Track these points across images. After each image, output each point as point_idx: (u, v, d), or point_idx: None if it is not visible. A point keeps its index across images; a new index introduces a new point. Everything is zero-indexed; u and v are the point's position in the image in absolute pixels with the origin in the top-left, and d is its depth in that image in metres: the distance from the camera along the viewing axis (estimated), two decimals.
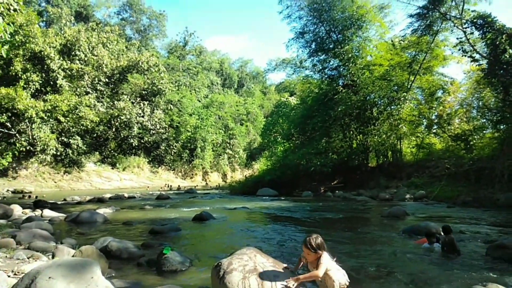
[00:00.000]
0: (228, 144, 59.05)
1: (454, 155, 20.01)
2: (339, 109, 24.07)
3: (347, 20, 23.41)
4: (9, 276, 4.18)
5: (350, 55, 23.73)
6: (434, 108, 23.38)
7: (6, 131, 12.96)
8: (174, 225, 9.97)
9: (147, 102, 18.56)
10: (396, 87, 23.47)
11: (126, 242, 7.04)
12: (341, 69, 25.18)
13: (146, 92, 18.74)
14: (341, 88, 24.57)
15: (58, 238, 7.90)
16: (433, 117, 23.83)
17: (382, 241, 8.04)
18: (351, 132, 26.19)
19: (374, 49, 24.74)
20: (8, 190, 28.47)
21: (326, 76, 26.37)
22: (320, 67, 26.10)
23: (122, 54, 17.91)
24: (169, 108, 25.25)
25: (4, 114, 12.34)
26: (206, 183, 47.37)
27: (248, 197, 22.28)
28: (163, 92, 19.42)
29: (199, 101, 58.18)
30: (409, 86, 22.84)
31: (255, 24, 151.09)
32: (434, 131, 23.82)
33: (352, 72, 23.88)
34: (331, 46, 24.95)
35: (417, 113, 23.33)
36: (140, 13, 62.39)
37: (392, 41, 23.90)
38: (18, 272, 4.47)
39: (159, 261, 5.60)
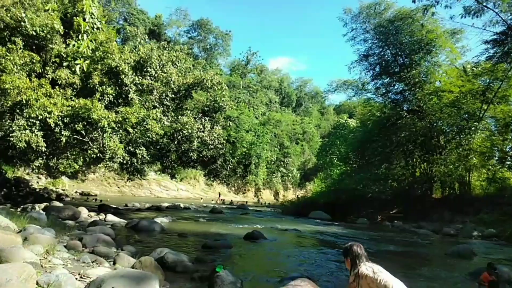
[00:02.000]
0: (282, 162, 58.95)
1: None
2: (402, 134, 22.97)
3: (415, 44, 22.48)
4: (76, 279, 4.46)
5: (417, 80, 22.67)
6: (509, 140, 21.36)
7: (80, 138, 14.09)
8: (226, 242, 10.07)
9: (208, 118, 19.19)
10: (466, 115, 21.88)
11: (181, 255, 7.23)
12: (407, 93, 24.12)
13: (207, 109, 19.40)
14: (405, 113, 23.48)
15: (119, 244, 8.35)
16: (508, 149, 21.74)
17: (445, 284, 7.37)
18: (415, 159, 24.77)
19: (443, 75, 23.39)
20: (77, 192, 30.98)
21: (389, 100, 25.42)
22: (384, 91, 25.25)
23: (189, 72, 18.82)
24: (227, 124, 26.03)
25: (80, 123, 13.43)
26: (258, 200, 47.49)
27: (300, 219, 21.88)
28: (224, 109, 19.98)
29: (257, 118, 59.11)
30: (481, 115, 21.18)
31: (317, 45, 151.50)
32: (508, 164, 21.69)
33: (419, 97, 22.74)
34: (396, 69, 24.08)
35: (489, 144, 21.46)
36: (208, 33, 65.70)
37: (464, 67, 22.45)
38: (83, 276, 4.76)
39: (212, 279, 5.64)
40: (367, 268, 3.05)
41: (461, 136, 21.89)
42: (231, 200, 39.89)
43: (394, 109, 24.71)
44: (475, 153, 21.05)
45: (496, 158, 22.10)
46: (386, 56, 24.71)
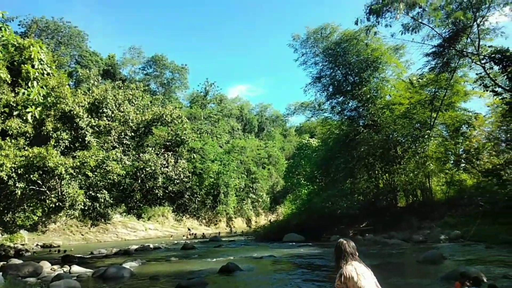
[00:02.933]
0: (251, 189, 58.72)
1: (487, 191, 19.10)
2: (362, 149, 23.80)
3: (363, 63, 23.84)
4: None
5: (368, 96, 23.89)
6: (460, 144, 22.78)
7: (37, 188, 13.40)
8: (201, 279, 9.78)
9: (171, 152, 18.99)
10: (418, 125, 23.16)
11: None
12: (361, 109, 25.24)
13: (170, 143, 19.25)
14: (362, 129, 24.49)
15: None
16: (461, 152, 23.13)
17: None
18: (376, 172, 25.64)
19: (392, 89, 24.84)
20: (37, 245, 28.91)
21: (345, 117, 26.45)
22: (339, 109, 26.30)
23: (147, 108, 18.69)
24: (192, 156, 25.85)
25: (36, 173, 12.82)
26: (231, 230, 46.66)
27: (274, 244, 21.70)
28: (186, 142, 19.88)
29: (221, 147, 59.03)
30: (432, 123, 22.52)
31: (274, 70, 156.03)
32: (463, 167, 23.02)
33: (372, 112, 23.87)
34: (348, 88, 25.26)
35: (443, 149, 22.75)
36: (164, 68, 65.96)
37: (410, 80, 23.98)
38: None
39: None
40: (352, 269, 2.92)
41: (416, 144, 23.04)
42: (203, 233, 38.84)
43: (351, 126, 25.68)
44: (431, 160, 22.15)
45: (452, 162, 23.38)
46: (337, 76, 25.89)
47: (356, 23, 16.77)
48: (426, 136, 22.25)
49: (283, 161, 69.26)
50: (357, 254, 3.11)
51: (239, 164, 57.71)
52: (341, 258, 3.02)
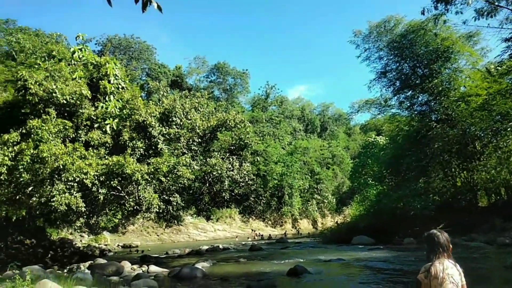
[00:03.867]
0: (315, 189, 57.92)
1: None
2: (436, 145, 22.16)
3: (432, 54, 22.17)
4: None
5: (440, 88, 22.16)
6: None
7: (117, 193, 14.59)
8: (270, 281, 9.86)
9: (236, 156, 19.46)
10: (499, 117, 20.95)
11: None
12: (432, 103, 23.52)
13: (234, 147, 19.72)
14: (435, 124, 22.80)
15: None
16: None
17: None
18: (453, 169, 23.70)
19: (467, 79, 22.74)
20: (118, 245, 31.59)
21: (415, 112, 24.82)
22: (408, 104, 24.74)
23: (212, 115, 19.42)
24: (255, 159, 26.28)
25: (115, 179, 13.97)
26: (298, 231, 46.48)
27: (343, 246, 21.15)
28: (250, 145, 20.22)
29: (283, 149, 59.10)
30: None
31: (333, 68, 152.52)
32: None
33: (445, 105, 22.12)
34: (417, 81, 23.69)
35: None
36: (226, 74, 68.03)
37: (487, 68, 21.76)
38: None
39: None
40: (441, 268, 2.66)
41: (498, 138, 20.90)
42: (269, 235, 39.31)
43: (422, 121, 24.08)
44: None
45: None
46: (405, 70, 24.44)
47: (423, 13, 15.58)
48: (509, 129, 20.04)
49: (348, 160, 67.26)
50: (451, 247, 2.84)
51: (303, 165, 57.31)
52: (432, 251, 2.78)
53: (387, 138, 34.35)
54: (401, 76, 24.52)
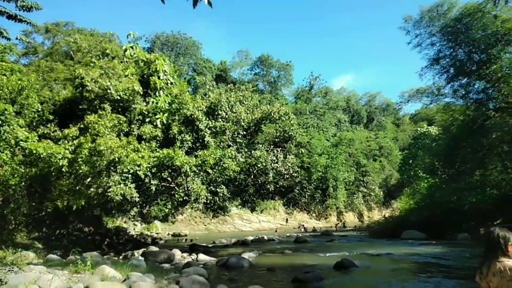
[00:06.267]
0: (361, 182, 56.45)
1: None
2: (494, 136, 20.67)
3: (491, 38, 20.54)
4: None
5: (499, 75, 20.52)
6: None
7: (167, 184, 15.23)
8: (316, 274, 9.82)
9: (280, 148, 19.48)
10: None
11: None
12: (490, 91, 21.88)
13: (278, 140, 19.75)
14: (493, 112, 21.23)
15: (212, 284, 8.67)
16: None
17: None
18: None
19: None
20: (168, 234, 33.03)
21: (471, 100, 23.23)
22: (463, 92, 23.20)
23: (256, 108, 19.58)
24: (299, 151, 26.14)
25: (166, 171, 14.58)
26: (343, 224, 45.72)
27: (391, 241, 20.52)
28: (294, 138, 20.14)
29: (328, 140, 58.11)
30: None
31: (380, 57, 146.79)
32: None
33: (505, 93, 20.47)
34: (473, 68, 22.12)
35: None
36: (270, 67, 67.87)
37: None
38: None
39: None
40: (496, 266, 2.51)
41: None
42: (313, 227, 39.07)
43: (478, 110, 22.52)
44: None
45: None
46: (459, 56, 22.91)
47: None
48: None
49: (397, 152, 64.77)
50: (509, 248, 2.62)
51: (348, 157, 56.03)
52: (488, 250, 2.62)
53: (440, 129, 32.62)
54: (456, 62, 23.03)
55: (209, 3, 3.82)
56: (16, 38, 20.23)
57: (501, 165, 22.36)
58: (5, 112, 14.99)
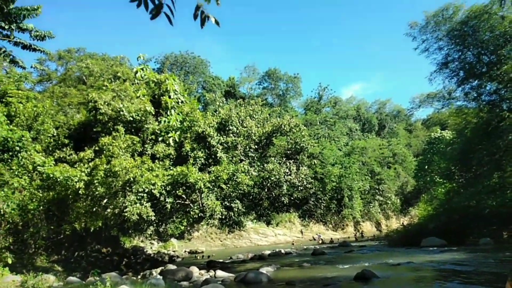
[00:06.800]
0: (377, 190, 55.67)
1: None
2: (510, 137, 20.32)
3: (499, 39, 20.39)
4: None
5: (511, 75, 20.31)
6: None
7: (182, 202, 15.33)
8: (336, 286, 9.69)
9: (292, 160, 19.48)
10: None
11: None
12: (503, 91, 21.58)
13: (290, 152, 19.77)
14: (507, 113, 20.91)
15: None
16: None
17: None
18: None
19: None
20: (185, 251, 32.99)
21: (484, 102, 22.92)
22: (475, 94, 22.93)
23: (266, 121, 19.72)
24: (312, 162, 26.04)
25: (180, 188, 14.70)
26: (361, 234, 44.97)
27: (411, 249, 20.09)
28: (306, 149, 20.13)
29: (340, 150, 57.72)
30: None
31: (387, 64, 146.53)
32: None
33: None
34: (483, 69, 21.91)
35: None
36: (277, 80, 68.34)
37: None
38: None
39: None
40: None
41: None
42: (331, 238, 38.54)
43: (492, 112, 22.21)
44: None
45: None
46: (468, 58, 22.76)
47: None
48: None
49: (411, 158, 63.91)
50: None
51: (361, 165, 55.47)
52: None
53: (453, 132, 32.19)
54: (465, 65, 22.87)
55: (216, 22, 3.93)
56: (31, 67, 20.98)
57: None
58: (22, 138, 15.43)
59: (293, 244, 35.54)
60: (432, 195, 31.06)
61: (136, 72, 20.12)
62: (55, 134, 17.70)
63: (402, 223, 33.12)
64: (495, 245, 17.81)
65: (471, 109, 24.60)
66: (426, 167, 39.82)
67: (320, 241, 36.98)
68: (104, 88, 19.00)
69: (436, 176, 34.21)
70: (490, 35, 20.97)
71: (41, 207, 15.60)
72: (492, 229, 20.14)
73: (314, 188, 27.06)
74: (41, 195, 15.05)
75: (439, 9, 22.72)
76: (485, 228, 20.36)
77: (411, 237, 23.27)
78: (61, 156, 16.79)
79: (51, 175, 14.19)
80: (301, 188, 19.63)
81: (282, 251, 25.72)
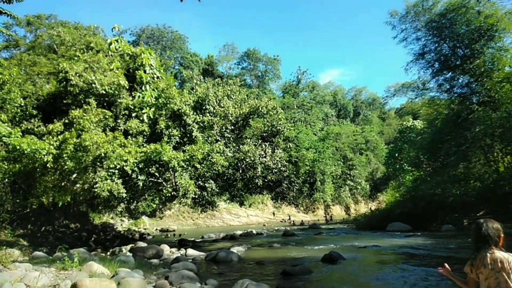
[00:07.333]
0: (348, 175, 57.09)
1: None
2: (477, 129, 21.14)
3: (474, 33, 20.93)
4: None
5: (482, 69, 20.96)
6: None
7: (155, 180, 15.12)
8: (305, 266, 9.95)
9: (268, 143, 19.55)
10: None
11: (263, 285, 7.32)
12: (474, 85, 22.34)
13: (266, 134, 19.82)
14: (476, 106, 21.69)
15: (202, 279, 8.69)
16: None
17: None
18: (495, 154, 22.55)
19: None
20: (156, 229, 32.86)
21: (455, 95, 23.67)
22: (448, 86, 23.61)
23: (244, 102, 19.57)
24: (288, 146, 26.29)
25: (154, 166, 14.46)
26: (331, 217, 46.25)
27: (377, 233, 20.87)
28: (282, 132, 20.23)
29: (315, 135, 58.45)
30: None
31: (366, 52, 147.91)
32: None
33: (488, 87, 20.96)
34: (457, 62, 22.53)
35: None
36: (257, 61, 67.73)
37: None
38: None
39: None
40: (487, 258, 2.53)
41: None
42: (302, 221, 39.42)
43: (462, 104, 22.98)
44: None
45: None
46: (444, 51, 23.29)
47: None
48: None
49: (383, 146, 65.64)
50: (503, 237, 2.65)
51: (335, 151, 56.50)
52: (478, 242, 2.64)
53: (424, 122, 33.16)
54: (440, 57, 23.42)
55: None
56: None
57: (484, 158, 22.91)
58: None
59: (264, 225, 36.11)
60: (400, 182, 32.18)
61: (110, 43, 19.30)
62: (22, 104, 16.83)
63: (370, 208, 34.17)
64: (456, 231, 18.74)
65: (443, 100, 25.35)
66: (397, 155, 40.98)
67: (292, 223, 37.74)
68: (76, 58, 18.15)
69: (405, 164, 35.32)
70: (466, 29, 21.46)
71: (6, 180, 15.00)
72: (454, 216, 21.11)
73: (288, 171, 27.43)
74: (6, 167, 14.41)
75: None
76: (448, 215, 21.33)
77: (378, 221, 24.12)
78: (29, 127, 16.06)
79: (18, 147, 13.57)
80: (276, 170, 19.84)
81: (254, 231, 26.08)
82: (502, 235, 2.66)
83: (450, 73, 23.31)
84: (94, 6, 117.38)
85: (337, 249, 13.34)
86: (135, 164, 14.46)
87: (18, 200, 16.33)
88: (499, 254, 2.55)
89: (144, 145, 15.43)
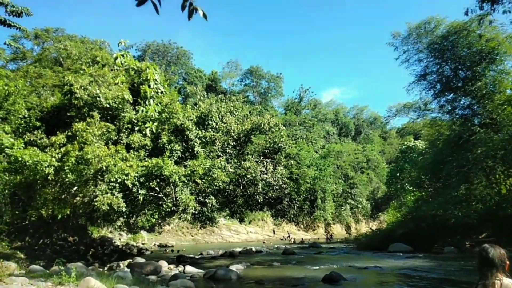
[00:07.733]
0: (349, 194, 56.72)
1: None
2: (479, 151, 21.13)
3: (476, 56, 21.19)
4: None
5: (484, 92, 21.13)
6: None
7: (155, 194, 15.07)
8: (305, 287, 9.78)
9: (269, 159, 19.54)
10: None
11: None
12: (475, 107, 22.47)
13: (268, 151, 19.81)
14: (478, 128, 21.75)
15: None
16: None
17: None
18: (497, 176, 22.45)
19: None
20: (155, 244, 32.52)
21: (457, 116, 23.77)
22: (449, 108, 23.75)
23: (246, 118, 19.65)
24: (289, 163, 26.25)
25: (154, 181, 14.44)
26: (331, 236, 45.76)
27: (378, 254, 20.61)
28: (284, 149, 20.23)
29: (316, 152, 58.38)
30: None
31: (367, 71, 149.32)
32: None
33: (490, 109, 21.07)
34: (459, 84, 22.72)
35: None
36: (260, 78, 68.43)
37: None
38: None
39: None
40: (493, 284, 2.49)
41: None
42: (302, 239, 39.01)
43: (464, 125, 23.04)
44: None
45: None
46: (446, 72, 23.52)
47: (467, 14, 14.90)
48: None
49: (384, 165, 65.45)
50: (508, 263, 2.61)
51: (336, 169, 56.34)
52: (483, 267, 2.60)
53: (426, 143, 33.19)
54: (442, 78, 23.62)
55: (204, 16, 3.82)
56: (5, 43, 20.02)
57: (485, 179, 22.80)
58: None
59: (264, 242, 35.72)
60: (401, 202, 31.94)
61: (116, 58, 19.54)
62: (26, 116, 16.93)
63: (371, 228, 33.81)
64: (458, 253, 18.49)
65: (444, 121, 25.43)
66: (398, 174, 40.87)
67: (291, 241, 37.32)
68: (81, 71, 18.34)
69: (406, 184, 35.17)
70: (468, 51, 21.71)
71: (7, 191, 14.95)
72: (456, 238, 20.89)
73: (289, 188, 27.33)
74: (7, 178, 14.39)
75: (422, 21, 23.36)
76: (450, 237, 21.10)
77: (379, 241, 23.85)
78: (32, 139, 16.09)
79: (20, 158, 13.58)
80: (276, 187, 19.72)
81: (253, 249, 25.80)
82: (508, 262, 2.63)
83: (451, 94, 23.47)
84: (101, 20, 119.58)
85: (338, 269, 13.14)
86: (136, 178, 14.42)
87: (17, 212, 16.25)
88: (507, 281, 2.53)
89: (146, 159, 15.43)
